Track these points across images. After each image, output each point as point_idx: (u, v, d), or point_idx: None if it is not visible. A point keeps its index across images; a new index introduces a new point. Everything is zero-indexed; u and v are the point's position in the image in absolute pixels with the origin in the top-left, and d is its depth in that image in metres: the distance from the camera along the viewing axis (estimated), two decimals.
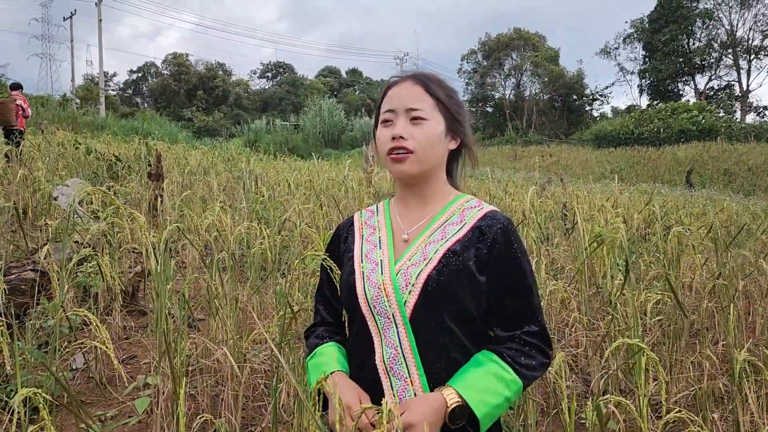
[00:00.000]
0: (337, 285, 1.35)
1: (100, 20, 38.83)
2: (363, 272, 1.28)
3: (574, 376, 3.06)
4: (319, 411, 1.26)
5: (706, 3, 47.95)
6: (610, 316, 2.81)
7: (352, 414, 1.12)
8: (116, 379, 2.93)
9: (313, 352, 1.34)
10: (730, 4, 46.81)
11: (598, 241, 3.76)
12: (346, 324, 1.37)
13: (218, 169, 8.30)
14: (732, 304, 3.31)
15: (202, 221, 4.06)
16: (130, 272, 3.92)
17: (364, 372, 1.25)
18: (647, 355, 1.59)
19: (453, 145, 1.34)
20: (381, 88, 1.40)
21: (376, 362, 1.23)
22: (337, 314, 1.41)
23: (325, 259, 1.37)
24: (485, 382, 1.16)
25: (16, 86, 10.26)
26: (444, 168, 1.36)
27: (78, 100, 39.38)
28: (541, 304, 1.34)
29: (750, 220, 7.75)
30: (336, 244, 1.44)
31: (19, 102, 9.49)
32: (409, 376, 1.20)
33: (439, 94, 1.29)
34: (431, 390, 1.18)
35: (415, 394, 1.18)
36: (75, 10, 42.91)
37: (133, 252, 4.81)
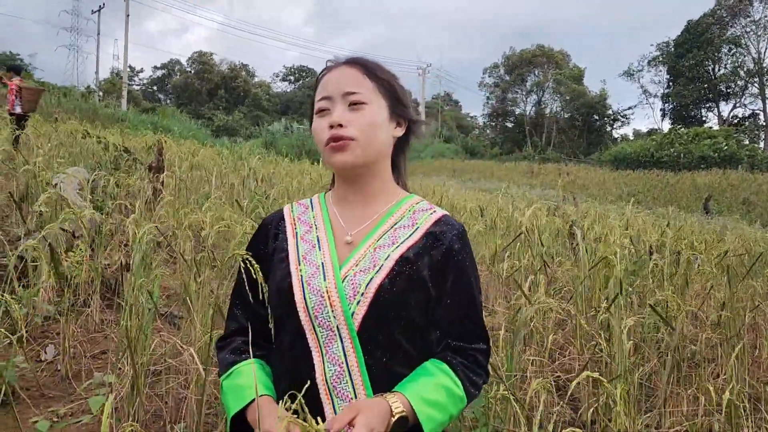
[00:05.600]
0: (262, 287, 1.15)
1: (128, 15, 39.32)
2: (302, 276, 1.12)
3: (562, 402, 2.89)
4: None
5: (733, 30, 47.47)
6: (594, 342, 2.65)
7: None
8: (83, 374, 2.81)
9: (230, 371, 1.15)
10: (759, 33, 46.27)
11: (603, 263, 3.59)
12: (273, 333, 1.17)
13: (224, 168, 8.23)
14: (737, 336, 3.13)
15: (195, 215, 3.95)
16: (115, 265, 3.82)
17: (299, 391, 1.10)
18: (619, 387, 1.44)
19: (399, 132, 1.20)
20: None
21: (317, 380, 1.07)
22: (260, 320, 1.19)
23: (247, 257, 1.16)
24: (435, 395, 1.04)
25: (16, 69, 9.28)
26: (389, 161, 1.21)
27: (101, 93, 39.87)
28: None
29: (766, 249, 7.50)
30: (262, 241, 1.24)
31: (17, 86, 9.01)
32: (355, 396, 1.06)
33: (379, 75, 1.16)
34: None
35: None
36: (104, 4, 43.40)
37: (125, 246, 4.73)
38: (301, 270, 1.13)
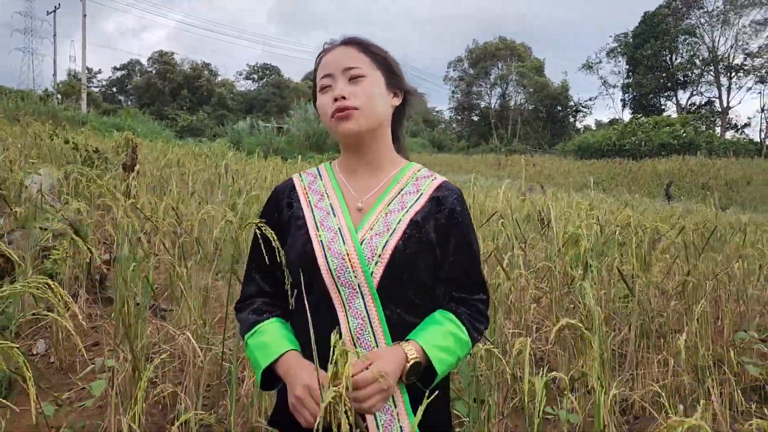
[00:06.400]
0: (279, 252, 1.24)
1: (84, 15, 38.42)
2: (322, 241, 1.23)
3: (541, 371, 3.05)
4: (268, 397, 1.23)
5: (688, 20, 48.83)
6: (572, 305, 2.82)
7: (314, 394, 1.09)
8: (78, 365, 2.86)
9: (254, 330, 1.24)
10: (712, 23, 47.71)
11: (572, 239, 3.77)
12: (292, 295, 1.25)
13: (197, 165, 8.23)
14: (697, 305, 3.34)
15: (175, 209, 4.01)
16: (98, 260, 3.85)
17: (327, 345, 1.21)
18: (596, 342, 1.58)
19: (396, 101, 1.33)
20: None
21: (342, 332, 1.19)
22: (277, 284, 1.29)
23: (263, 226, 1.26)
24: (445, 341, 1.19)
25: None
26: (389, 130, 1.34)
27: (59, 96, 38.89)
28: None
29: (724, 229, 7.85)
30: (277, 209, 1.34)
31: None
32: (377, 345, 1.19)
33: (373, 50, 1.29)
34: None
35: None
36: (59, 5, 42.32)
37: (104, 241, 4.74)
38: (320, 236, 1.23)
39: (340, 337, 1.14)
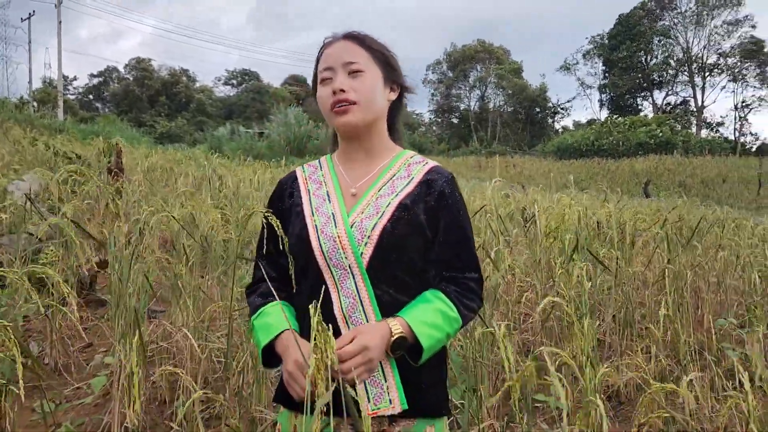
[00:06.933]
0: (282, 240, 1.32)
1: (60, 22, 37.97)
2: (316, 226, 1.30)
3: (527, 360, 3.13)
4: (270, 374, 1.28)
5: (663, 21, 49.70)
6: (555, 290, 2.90)
7: (304, 369, 1.14)
8: (72, 366, 2.88)
9: (259, 311, 1.33)
10: (686, 24, 48.63)
11: (556, 233, 3.87)
12: (294, 279, 1.32)
13: (182, 169, 8.22)
14: (678, 293, 3.45)
15: (169, 211, 4.03)
16: (88, 264, 3.86)
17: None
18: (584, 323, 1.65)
19: (393, 96, 1.40)
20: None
21: (335, 312, 1.26)
22: (281, 270, 1.36)
23: (269, 215, 1.34)
24: (432, 317, 1.23)
25: None
26: (385, 122, 1.41)
27: (35, 103, 38.34)
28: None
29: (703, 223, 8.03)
30: (280, 199, 1.43)
31: None
32: (367, 322, 1.25)
33: (373, 46, 1.35)
34: None
35: None
36: (33, 11, 41.82)
37: (92, 245, 4.73)
38: (315, 220, 1.31)
39: (333, 315, 1.25)
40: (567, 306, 2.03)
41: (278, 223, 1.31)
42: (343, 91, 1.29)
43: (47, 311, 3.00)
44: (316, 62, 1.38)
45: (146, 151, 10.98)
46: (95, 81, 64.92)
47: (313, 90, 1.39)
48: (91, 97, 64.53)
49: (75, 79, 65.64)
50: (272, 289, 1.31)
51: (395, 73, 1.39)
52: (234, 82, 72.17)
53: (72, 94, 61.97)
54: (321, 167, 1.44)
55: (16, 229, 4.16)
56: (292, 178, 1.45)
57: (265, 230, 1.38)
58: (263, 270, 1.38)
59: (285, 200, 1.41)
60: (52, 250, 3.75)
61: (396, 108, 1.44)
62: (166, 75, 60.37)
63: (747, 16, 47.33)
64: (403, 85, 1.42)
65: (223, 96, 68.19)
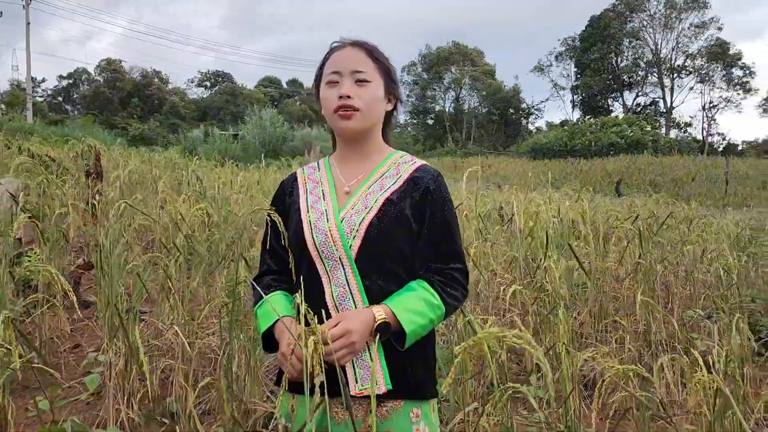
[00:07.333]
0: (284, 235, 1.44)
1: (28, 23, 37.30)
2: (310, 221, 1.41)
3: (509, 354, 3.25)
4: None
5: (632, 24, 50.67)
6: (538, 284, 3.02)
7: (296, 351, 1.24)
8: (62, 367, 2.91)
9: (262, 301, 1.44)
10: (655, 26, 49.67)
11: (532, 231, 4.00)
12: (294, 270, 1.43)
13: (161, 171, 8.20)
14: (647, 285, 3.60)
15: (149, 213, 4.06)
16: (72, 266, 3.88)
17: (316, 311, 1.36)
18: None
19: (389, 107, 1.52)
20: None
21: (326, 300, 1.37)
22: (283, 263, 1.46)
23: (272, 212, 1.45)
24: (415, 304, 1.34)
25: None
26: (380, 129, 1.52)
27: (3, 106, 37.57)
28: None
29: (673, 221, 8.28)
30: (281, 198, 1.55)
31: None
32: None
33: (379, 57, 1.46)
34: None
35: None
36: (1, 12, 40.93)
37: (74, 248, 4.74)
38: (309, 216, 1.43)
39: (325, 302, 1.36)
40: (545, 297, 2.15)
41: (280, 220, 1.42)
42: (349, 97, 1.39)
43: (35, 314, 3.03)
44: (322, 62, 1.48)
45: (122, 150, 10.88)
46: (65, 83, 63.87)
47: (315, 88, 1.50)
48: (60, 98, 63.41)
49: (44, 81, 64.27)
50: (274, 281, 1.44)
51: (394, 86, 1.50)
52: (207, 83, 71.61)
53: (41, 96, 60.76)
54: (319, 168, 1.55)
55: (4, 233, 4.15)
56: (293, 179, 1.56)
57: (269, 227, 1.49)
58: (267, 263, 1.52)
59: (286, 199, 1.53)
60: (35, 253, 3.76)
61: (389, 118, 1.55)
62: (138, 77, 59.58)
63: (713, 18, 48.59)
64: (399, 98, 1.53)
65: (196, 98, 67.59)
